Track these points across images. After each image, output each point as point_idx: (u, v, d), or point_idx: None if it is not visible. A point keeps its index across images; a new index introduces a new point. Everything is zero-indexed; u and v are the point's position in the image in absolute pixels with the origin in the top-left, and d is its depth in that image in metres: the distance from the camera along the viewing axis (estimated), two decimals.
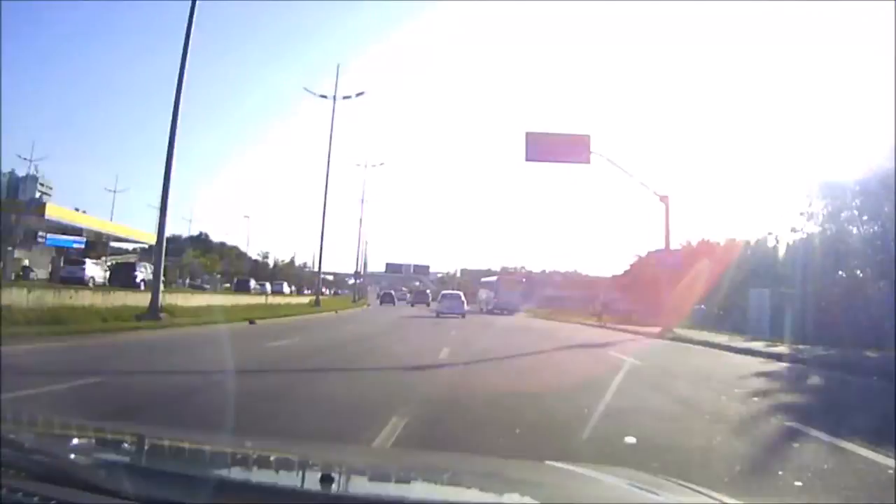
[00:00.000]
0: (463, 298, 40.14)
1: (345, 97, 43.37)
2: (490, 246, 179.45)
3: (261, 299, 39.70)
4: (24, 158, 79.14)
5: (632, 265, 45.70)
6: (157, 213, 20.48)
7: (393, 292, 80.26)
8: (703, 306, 28.81)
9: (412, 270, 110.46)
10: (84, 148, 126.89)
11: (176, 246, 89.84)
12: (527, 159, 27.70)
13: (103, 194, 75.71)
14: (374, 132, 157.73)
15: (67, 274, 36.26)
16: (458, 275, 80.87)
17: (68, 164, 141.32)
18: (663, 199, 26.80)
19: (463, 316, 36.04)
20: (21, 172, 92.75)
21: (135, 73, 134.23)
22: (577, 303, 57.03)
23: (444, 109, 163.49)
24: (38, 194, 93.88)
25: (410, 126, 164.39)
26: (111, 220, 75.07)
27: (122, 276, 36.86)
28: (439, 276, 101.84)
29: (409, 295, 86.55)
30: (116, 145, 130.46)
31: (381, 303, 63.47)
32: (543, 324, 34.34)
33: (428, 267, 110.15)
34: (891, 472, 4.49)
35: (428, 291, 68.57)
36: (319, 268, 51.60)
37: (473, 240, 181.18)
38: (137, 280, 35.77)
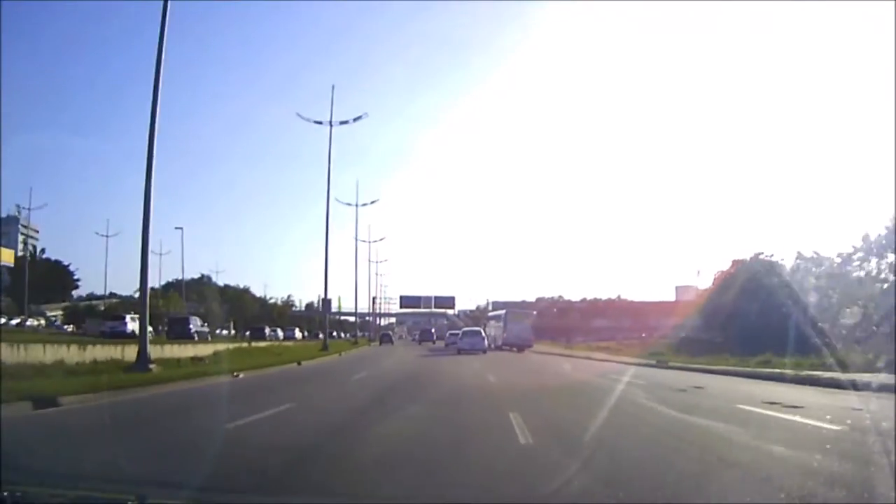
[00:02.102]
0: (484, 334, 41.56)
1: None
2: (524, 275, 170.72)
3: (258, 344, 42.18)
4: (24, 208, 76.81)
5: (716, 283, 38.47)
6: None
7: (391, 332, 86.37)
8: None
9: (433, 304, 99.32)
10: (70, 191, 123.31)
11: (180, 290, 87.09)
12: None
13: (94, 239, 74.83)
14: (399, 156, 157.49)
15: (109, 329, 37.79)
16: (490, 307, 77.23)
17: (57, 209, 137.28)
18: None
19: (484, 352, 36.76)
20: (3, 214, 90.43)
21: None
22: (627, 333, 54.64)
23: (472, 131, 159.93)
24: (21, 237, 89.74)
25: (432, 146, 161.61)
26: (105, 265, 76.05)
27: (177, 329, 41.22)
28: (470, 311, 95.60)
29: (416, 333, 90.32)
30: (106, 190, 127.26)
31: (381, 343, 66.84)
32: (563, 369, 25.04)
33: (453, 298, 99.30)
34: None
35: (433, 330, 76.01)
36: (325, 310, 51.27)
37: (504, 269, 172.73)
38: (192, 332, 40.32)
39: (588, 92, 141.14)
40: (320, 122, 42.79)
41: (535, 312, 54.51)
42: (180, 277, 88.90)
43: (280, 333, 65.86)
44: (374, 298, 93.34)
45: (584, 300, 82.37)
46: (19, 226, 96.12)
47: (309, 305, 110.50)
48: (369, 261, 79.16)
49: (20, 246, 75.23)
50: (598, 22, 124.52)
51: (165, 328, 44.60)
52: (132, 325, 37.27)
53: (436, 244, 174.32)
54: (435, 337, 70.07)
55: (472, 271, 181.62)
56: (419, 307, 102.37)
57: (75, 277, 69.21)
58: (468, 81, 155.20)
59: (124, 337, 33.53)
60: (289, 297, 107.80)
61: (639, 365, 24.65)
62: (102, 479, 5.32)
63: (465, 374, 19.85)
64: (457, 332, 52.35)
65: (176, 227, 67.81)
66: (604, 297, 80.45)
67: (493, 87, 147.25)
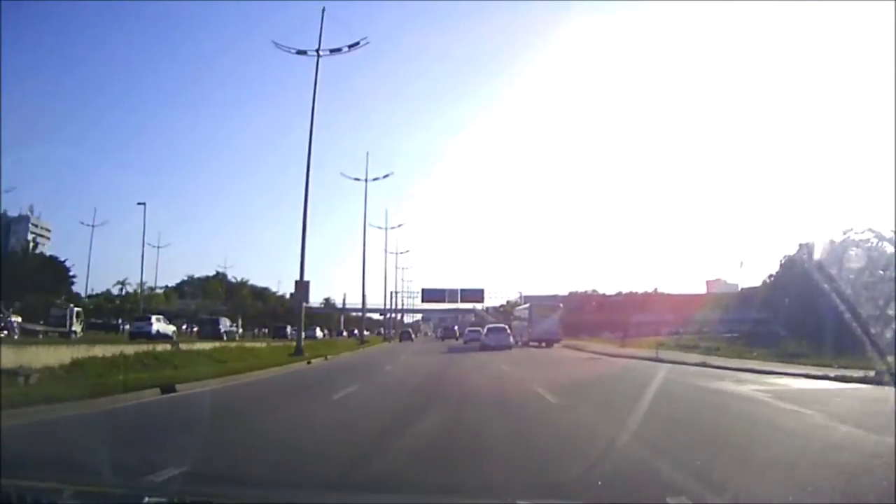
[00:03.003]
0: (509, 331, 42.37)
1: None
2: (555, 270, 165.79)
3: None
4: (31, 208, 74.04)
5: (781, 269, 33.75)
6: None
7: (410, 330, 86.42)
8: None
9: (459, 297, 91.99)
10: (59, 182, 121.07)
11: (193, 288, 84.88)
12: None
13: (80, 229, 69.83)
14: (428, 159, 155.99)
15: (136, 329, 38.49)
16: (521, 301, 74.39)
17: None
18: None
19: (510, 349, 37.04)
20: (13, 213, 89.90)
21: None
22: (670, 327, 51.94)
23: (503, 128, 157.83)
24: (31, 236, 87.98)
25: (462, 147, 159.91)
26: (89, 255, 68.72)
27: (209, 329, 43.67)
28: (501, 306, 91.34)
29: (440, 330, 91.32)
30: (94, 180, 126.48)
31: (401, 340, 69.26)
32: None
33: (482, 291, 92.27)
34: None
35: (455, 327, 76.95)
36: (300, 298, 48.88)
37: (535, 264, 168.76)
38: (221, 331, 42.56)
39: (621, 84, 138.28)
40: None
41: (560, 305, 50.56)
42: (193, 275, 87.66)
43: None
44: (392, 293, 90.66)
45: (619, 294, 79.45)
46: (30, 225, 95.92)
47: (326, 301, 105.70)
48: (386, 251, 77.58)
49: (30, 245, 73.01)
50: (630, 17, 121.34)
51: (195, 328, 47.50)
52: (157, 325, 38.91)
53: (466, 240, 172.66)
54: (458, 334, 68.27)
55: (502, 267, 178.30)
56: (443, 301, 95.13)
57: (71, 273, 65.22)
58: (498, 82, 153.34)
59: (149, 337, 34.71)
60: (278, 284, 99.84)
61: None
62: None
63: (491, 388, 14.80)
64: (476, 328, 52.73)
65: (138, 203, 65.03)
66: (639, 290, 77.76)
67: (525, 83, 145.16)
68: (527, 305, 50.98)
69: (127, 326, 45.49)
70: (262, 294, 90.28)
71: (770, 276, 36.61)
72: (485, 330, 43.44)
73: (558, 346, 42.00)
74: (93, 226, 66.19)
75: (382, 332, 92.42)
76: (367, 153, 67.78)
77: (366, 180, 57.08)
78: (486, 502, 5.08)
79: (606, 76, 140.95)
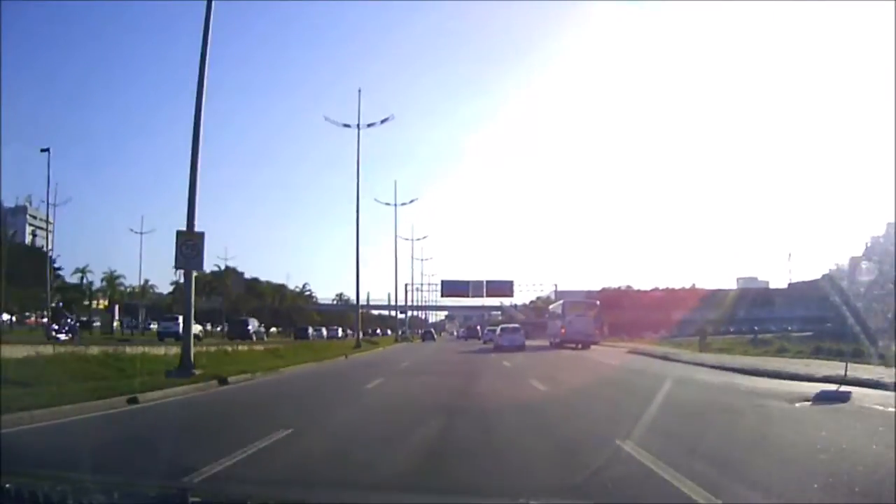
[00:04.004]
0: (522, 332, 42.12)
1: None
2: (586, 265, 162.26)
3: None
4: (42, 201, 70.52)
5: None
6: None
7: (433, 330, 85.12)
8: None
9: (484, 291, 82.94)
10: (105, 188, 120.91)
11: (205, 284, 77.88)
12: None
13: (128, 236, 66.59)
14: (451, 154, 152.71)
15: (163, 329, 38.86)
16: (554, 297, 70.90)
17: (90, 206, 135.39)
18: None
19: (522, 347, 36.87)
20: (9, 204, 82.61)
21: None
22: (716, 325, 49.37)
23: (530, 122, 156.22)
24: (29, 229, 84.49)
25: (486, 142, 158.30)
26: (140, 262, 67.08)
27: (237, 330, 43.03)
28: (531, 302, 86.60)
29: (462, 330, 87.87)
30: (141, 186, 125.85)
31: (423, 340, 69.60)
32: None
33: (511, 284, 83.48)
34: None
35: (478, 327, 73.71)
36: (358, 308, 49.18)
37: (566, 260, 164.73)
38: (250, 332, 42.28)
39: (656, 73, 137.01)
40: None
41: (597, 302, 46.91)
42: (207, 269, 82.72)
43: (324, 332, 70.45)
44: (406, 286, 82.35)
45: (656, 289, 75.58)
46: (27, 216, 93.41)
47: (339, 297, 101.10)
48: (396, 233, 66.92)
49: (28, 238, 70.33)
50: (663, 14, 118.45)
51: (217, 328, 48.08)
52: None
53: (491, 232, 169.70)
54: (480, 334, 65.23)
55: (530, 264, 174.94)
56: (467, 295, 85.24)
57: (56, 266, 61.87)
58: (526, 71, 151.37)
59: (177, 338, 32.78)
60: (304, 286, 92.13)
61: None
62: None
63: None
64: (494, 328, 52.20)
65: (42, 150, 47.33)
66: (673, 286, 74.41)
67: (558, 69, 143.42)
68: (560, 303, 47.21)
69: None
70: (280, 291, 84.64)
71: (836, 265, 33.63)
72: (498, 330, 43.96)
73: (596, 347, 38.47)
74: (141, 233, 63.52)
75: (399, 331, 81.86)
76: (360, 90, 47.33)
77: (358, 126, 44.03)
78: (498, 502, 5.08)
79: (641, 63, 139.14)
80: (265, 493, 4.80)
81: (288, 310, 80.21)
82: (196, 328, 40.32)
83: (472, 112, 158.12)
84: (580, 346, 38.33)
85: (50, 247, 59.29)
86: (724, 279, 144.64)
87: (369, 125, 44.28)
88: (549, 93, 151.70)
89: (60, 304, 42.49)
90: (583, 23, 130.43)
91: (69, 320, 33.92)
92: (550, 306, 55.21)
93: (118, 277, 68.51)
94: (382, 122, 45.63)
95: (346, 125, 44.11)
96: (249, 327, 43.95)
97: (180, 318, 35.48)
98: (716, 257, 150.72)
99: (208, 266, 76.35)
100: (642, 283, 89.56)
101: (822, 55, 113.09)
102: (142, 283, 70.07)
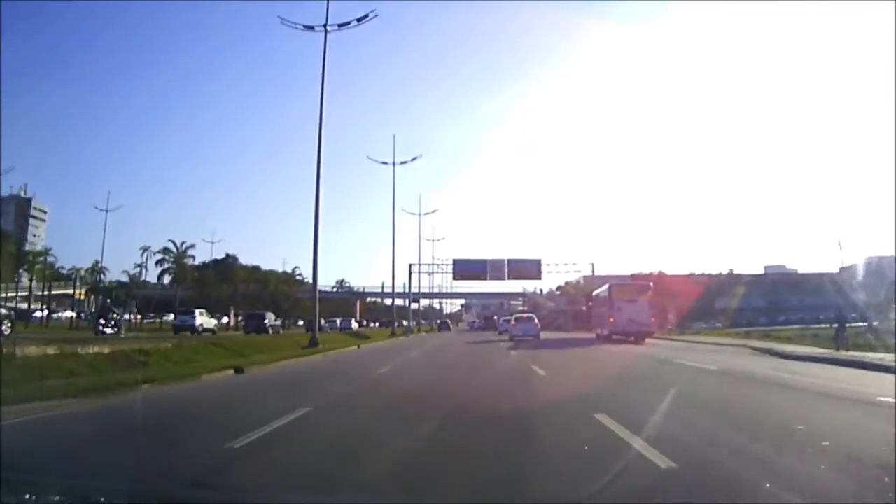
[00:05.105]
0: (536, 321, 41.05)
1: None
2: (616, 251, 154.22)
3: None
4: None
5: None
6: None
7: (449, 321, 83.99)
8: None
9: (505, 272, 69.62)
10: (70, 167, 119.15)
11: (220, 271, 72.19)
12: None
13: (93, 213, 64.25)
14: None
15: (180, 322, 38.81)
16: (581, 282, 66.38)
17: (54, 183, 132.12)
18: None
19: (537, 337, 36.09)
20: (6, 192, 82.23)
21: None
22: (772, 315, 45.71)
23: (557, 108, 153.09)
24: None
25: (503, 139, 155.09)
26: (103, 239, 62.88)
27: (254, 324, 41.39)
28: (559, 288, 78.87)
29: (478, 321, 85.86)
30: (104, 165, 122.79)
31: (440, 330, 71.08)
32: None
33: (538, 263, 70.40)
34: None
35: (495, 317, 71.38)
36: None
37: (593, 244, 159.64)
38: (267, 326, 41.63)
39: (683, 61, 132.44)
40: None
41: (651, 284, 39.12)
42: (213, 258, 77.98)
43: (338, 323, 64.96)
44: (410, 266, 72.72)
45: (692, 275, 67.52)
46: (32, 208, 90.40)
47: (340, 283, 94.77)
48: (394, 202, 56.21)
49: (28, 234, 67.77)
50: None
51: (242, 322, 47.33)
52: (200, 319, 39.23)
53: (517, 217, 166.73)
54: (497, 325, 58.49)
55: (557, 248, 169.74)
56: (484, 277, 70.97)
57: (25, 250, 58.38)
58: (550, 61, 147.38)
59: (193, 331, 34.83)
60: (294, 269, 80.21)
61: None
62: None
63: None
64: (509, 318, 50.15)
65: None
66: (707, 271, 69.44)
67: (587, 56, 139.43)
68: (605, 287, 38.54)
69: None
70: (288, 280, 77.14)
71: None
72: (513, 320, 42.68)
73: (651, 340, 32.63)
74: (106, 210, 62.33)
75: (404, 322, 69.76)
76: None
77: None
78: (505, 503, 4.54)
79: (670, 52, 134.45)
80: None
81: (272, 296, 70.69)
82: (212, 322, 39.32)
83: (496, 106, 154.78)
84: (633, 339, 32.49)
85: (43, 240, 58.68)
86: (751, 266, 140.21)
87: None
88: (582, 78, 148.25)
89: (108, 301, 46.29)
90: (615, 14, 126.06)
91: (115, 315, 36.88)
92: (594, 291, 45.98)
93: (101, 271, 67.17)
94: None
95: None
96: (266, 321, 42.93)
97: (196, 312, 40.18)
98: (742, 244, 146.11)
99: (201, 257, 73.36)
100: (672, 268, 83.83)
101: (858, 47, 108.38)
102: (140, 275, 67.92)
